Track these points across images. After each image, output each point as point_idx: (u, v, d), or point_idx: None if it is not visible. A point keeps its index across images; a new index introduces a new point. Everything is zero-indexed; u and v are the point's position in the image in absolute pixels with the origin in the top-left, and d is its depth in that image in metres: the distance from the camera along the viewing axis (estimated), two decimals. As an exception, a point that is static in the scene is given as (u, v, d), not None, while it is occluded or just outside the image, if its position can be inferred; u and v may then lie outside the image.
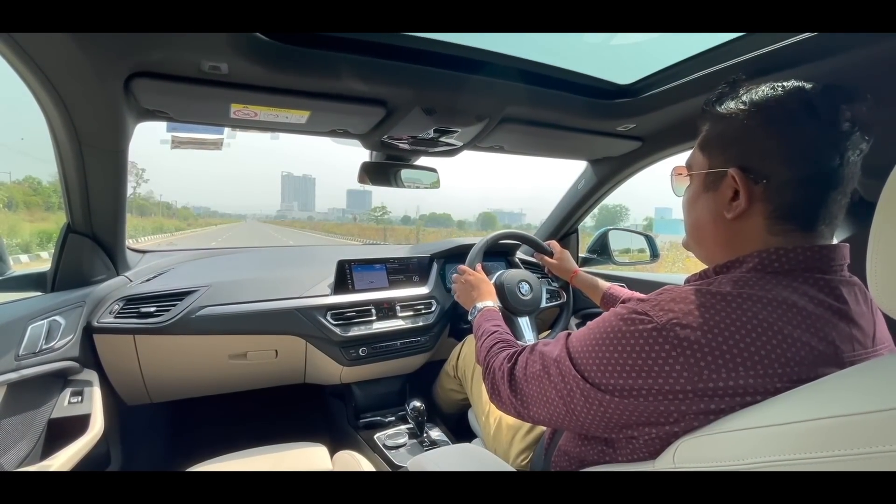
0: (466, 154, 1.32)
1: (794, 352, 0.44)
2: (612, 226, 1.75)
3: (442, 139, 1.06)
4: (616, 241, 1.75)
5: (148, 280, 1.26)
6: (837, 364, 0.45)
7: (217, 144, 1.06)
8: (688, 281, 0.60)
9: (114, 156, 0.91)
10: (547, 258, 1.37)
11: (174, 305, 1.17)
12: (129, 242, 1.33)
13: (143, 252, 1.45)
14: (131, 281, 1.24)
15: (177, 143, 1.02)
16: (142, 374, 1.19)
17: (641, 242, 1.75)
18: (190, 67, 0.73)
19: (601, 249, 1.76)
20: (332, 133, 1.05)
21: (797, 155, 0.49)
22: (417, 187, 1.31)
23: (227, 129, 1.06)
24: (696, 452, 0.45)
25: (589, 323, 0.58)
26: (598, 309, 1.63)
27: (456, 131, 1.02)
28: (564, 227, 1.72)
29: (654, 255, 1.69)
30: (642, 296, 0.55)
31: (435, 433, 1.30)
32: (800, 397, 0.40)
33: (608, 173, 1.43)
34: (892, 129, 0.63)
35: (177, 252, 1.52)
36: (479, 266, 1.18)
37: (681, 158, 1.28)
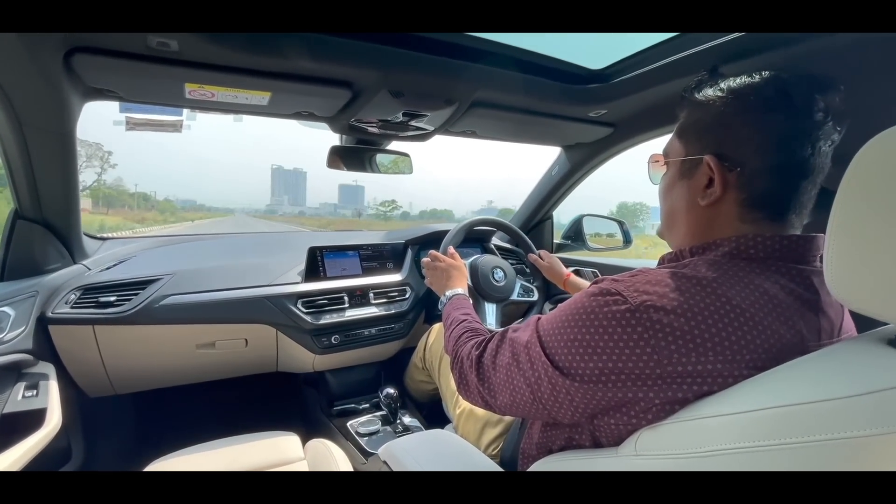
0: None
1: (762, 339, 0.44)
2: (586, 213, 1.75)
3: (412, 123, 1.04)
4: (590, 228, 1.76)
5: (108, 268, 1.20)
6: (802, 353, 0.45)
7: (176, 126, 1.01)
8: (661, 261, 0.60)
9: (60, 137, 0.86)
10: (539, 260, 1.36)
11: (136, 294, 1.13)
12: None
13: (104, 239, 1.39)
14: (89, 269, 1.19)
15: (132, 125, 0.97)
16: (104, 365, 1.15)
17: (615, 228, 1.76)
18: (136, 43, 0.68)
19: (575, 236, 1.77)
20: (297, 116, 1.01)
21: (771, 143, 0.49)
22: (389, 172, 1.29)
23: (186, 111, 1.01)
24: (656, 441, 0.45)
25: (560, 304, 0.57)
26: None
27: (425, 115, 1.00)
28: (539, 213, 1.72)
29: (627, 241, 1.71)
30: (613, 276, 0.54)
31: (408, 419, 1.30)
32: (756, 386, 0.41)
33: (581, 159, 1.43)
34: (858, 119, 0.64)
35: (140, 239, 1.46)
36: (451, 251, 1.16)
37: (652, 145, 1.29)
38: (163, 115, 0.98)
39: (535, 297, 1.43)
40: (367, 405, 1.41)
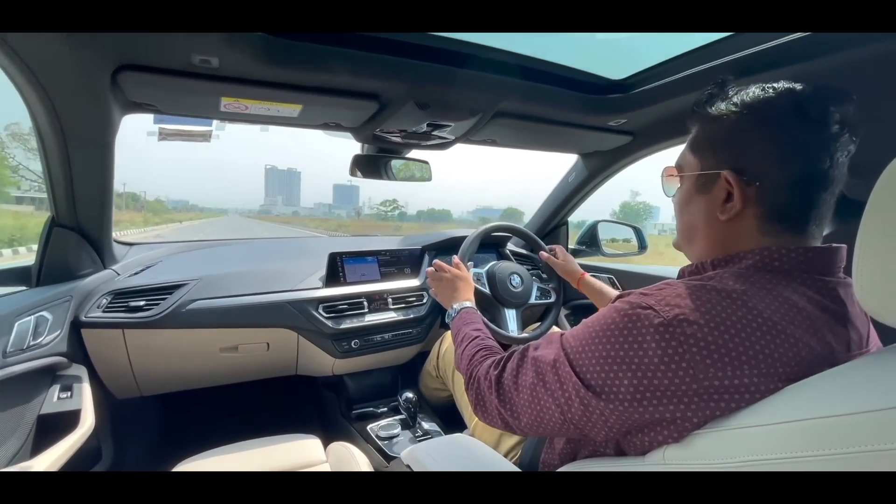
0: (462, 148, 1.31)
1: (795, 352, 0.44)
2: (601, 218, 1.76)
3: (434, 133, 1.06)
4: (605, 234, 1.77)
5: (136, 273, 1.24)
6: (832, 365, 0.44)
7: (206, 136, 1.04)
8: (682, 273, 0.60)
9: (100, 149, 0.89)
10: (552, 258, 1.35)
11: (164, 299, 1.16)
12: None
13: (131, 245, 1.43)
14: (119, 274, 1.22)
15: (164, 135, 1.00)
16: (132, 367, 1.18)
17: (630, 234, 1.77)
18: (179, 61, 0.71)
19: (590, 241, 1.78)
20: (325, 126, 1.03)
21: (789, 157, 0.49)
22: (410, 180, 1.31)
23: (215, 121, 1.04)
24: (685, 451, 0.45)
25: (584, 320, 0.56)
26: (589, 300, 1.66)
27: (449, 125, 1.02)
28: (555, 219, 1.73)
29: (643, 246, 1.71)
30: (640, 290, 0.54)
31: (427, 424, 1.31)
32: (789, 397, 0.41)
33: (599, 167, 1.44)
34: (875, 129, 0.65)
35: (164, 244, 1.49)
36: (456, 261, 1.14)
37: (670, 153, 1.30)
38: (194, 125, 1.00)
39: (553, 298, 1.44)
40: (386, 409, 1.42)
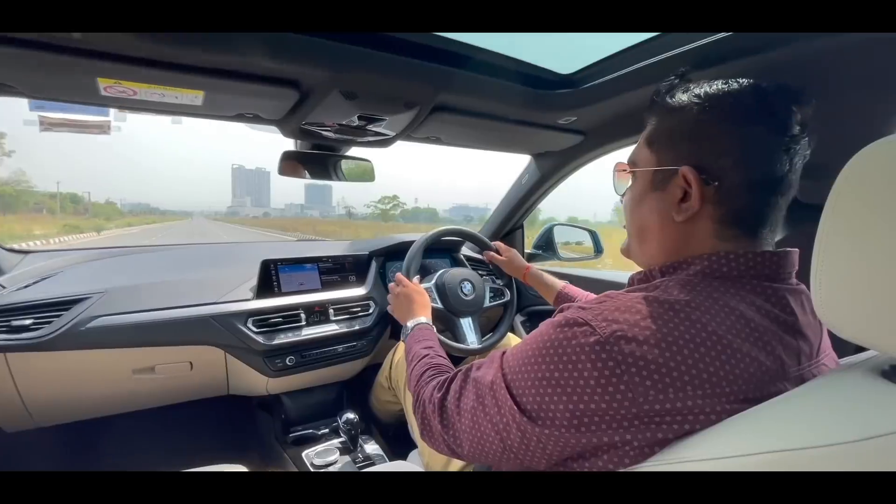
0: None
1: (742, 368, 0.41)
2: (556, 222, 1.72)
3: (370, 128, 0.96)
4: (561, 237, 1.73)
5: (26, 286, 1.07)
6: (784, 379, 0.43)
7: (102, 128, 0.90)
8: (631, 282, 0.55)
9: None
10: (496, 256, 1.32)
11: (58, 316, 1.00)
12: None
13: (25, 252, 1.24)
14: (4, 288, 1.05)
15: (47, 125, 0.85)
16: (20, 396, 1.02)
17: (586, 238, 1.73)
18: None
19: (546, 245, 1.73)
20: (240, 118, 0.91)
21: (751, 157, 0.46)
22: (349, 180, 1.20)
23: (114, 110, 0.89)
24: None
25: (526, 336, 0.52)
26: (545, 306, 1.60)
27: (384, 119, 0.92)
28: (510, 222, 1.66)
29: (598, 250, 1.68)
30: (588, 299, 0.50)
31: (370, 447, 1.21)
32: (745, 425, 0.37)
33: (551, 168, 1.38)
34: (827, 128, 0.60)
35: (69, 252, 1.31)
36: (398, 276, 1.10)
37: (623, 153, 1.25)
38: (85, 114, 0.86)
39: (507, 296, 1.38)
40: (327, 430, 1.30)
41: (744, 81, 0.48)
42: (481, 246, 1.38)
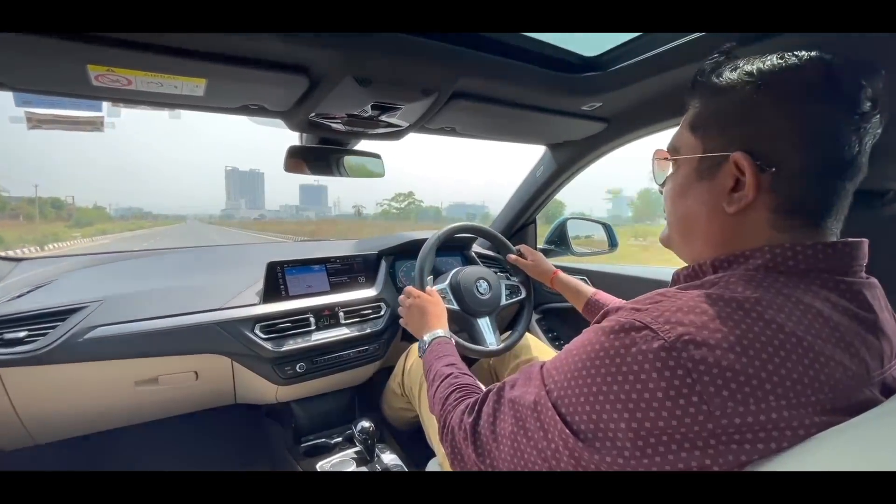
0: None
1: (827, 373, 0.36)
2: (569, 216, 1.66)
3: (383, 118, 0.89)
4: (574, 231, 1.68)
5: (19, 296, 1.00)
6: (868, 384, 0.38)
7: (96, 124, 0.83)
8: (676, 278, 0.50)
9: None
10: (520, 259, 1.27)
11: (53, 327, 0.94)
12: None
13: (17, 260, 1.18)
14: None
15: (35, 122, 0.78)
16: (17, 413, 0.96)
17: (600, 231, 1.68)
18: None
19: (559, 240, 1.68)
20: (245, 110, 0.84)
21: (814, 139, 0.41)
22: (359, 176, 1.14)
23: (107, 105, 0.83)
24: None
25: (567, 346, 0.47)
26: (562, 303, 1.54)
27: (399, 107, 0.85)
28: (522, 217, 1.60)
29: (613, 244, 1.63)
30: (630, 304, 0.44)
31: (387, 457, 1.15)
32: (836, 444, 0.32)
33: (569, 159, 1.32)
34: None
35: (65, 258, 1.25)
36: (408, 288, 1.05)
37: (644, 142, 1.20)
38: (76, 110, 0.79)
39: (523, 293, 1.32)
40: (341, 439, 1.25)
41: (804, 54, 0.42)
42: (501, 248, 1.33)
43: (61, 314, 0.96)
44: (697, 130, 0.48)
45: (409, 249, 1.42)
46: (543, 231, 1.73)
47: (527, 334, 1.34)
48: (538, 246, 1.71)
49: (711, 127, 0.47)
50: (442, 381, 0.69)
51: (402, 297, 1.05)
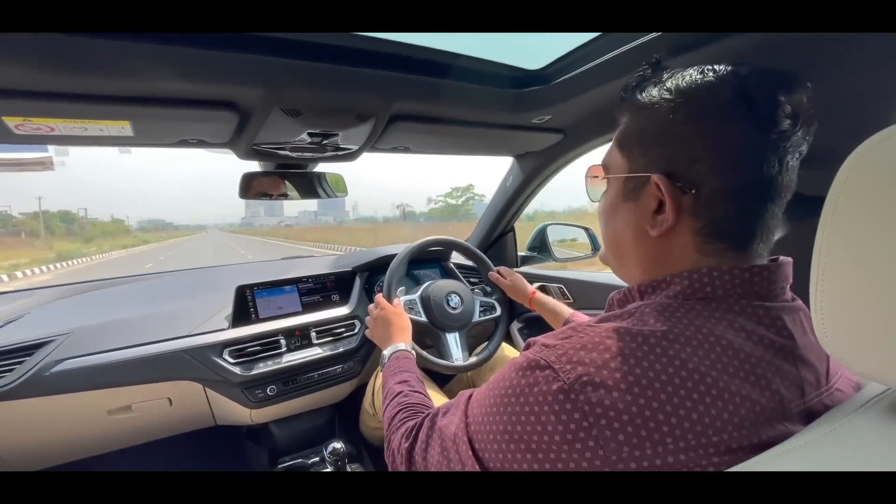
0: None
1: (731, 411, 0.34)
2: (549, 222, 1.64)
3: (326, 143, 0.89)
4: (555, 237, 1.65)
5: None
6: (784, 418, 0.36)
7: (45, 164, 0.84)
8: (610, 302, 0.49)
9: None
10: (501, 279, 1.26)
11: (21, 362, 0.95)
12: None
13: (-7, 295, 1.20)
14: None
15: (-18, 167, 0.79)
16: None
17: (582, 236, 1.65)
18: None
19: (541, 246, 1.66)
20: (184, 144, 0.84)
21: (731, 160, 0.40)
22: (318, 197, 1.14)
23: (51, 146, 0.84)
24: None
25: (494, 376, 0.46)
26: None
27: (336, 134, 0.85)
28: (499, 226, 1.58)
29: (596, 247, 1.60)
30: (542, 338, 0.43)
31: None
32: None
33: (534, 168, 1.30)
34: (832, 111, 0.52)
35: (37, 291, 1.27)
36: (378, 298, 1.06)
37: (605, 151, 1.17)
38: (22, 152, 0.80)
39: (498, 311, 1.31)
40: (318, 459, 1.25)
41: (720, 70, 0.41)
42: (478, 263, 1.32)
43: (27, 349, 0.97)
44: (624, 149, 0.47)
45: (385, 265, 1.41)
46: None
47: (505, 345, 1.32)
48: (519, 253, 1.69)
49: (635, 146, 0.45)
50: (391, 400, 0.69)
51: (370, 306, 1.06)
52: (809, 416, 0.38)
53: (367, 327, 1.28)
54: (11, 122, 0.62)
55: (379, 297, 1.07)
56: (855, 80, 0.62)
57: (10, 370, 0.94)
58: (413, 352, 0.89)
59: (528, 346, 0.44)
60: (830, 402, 0.40)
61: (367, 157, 1.14)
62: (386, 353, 0.87)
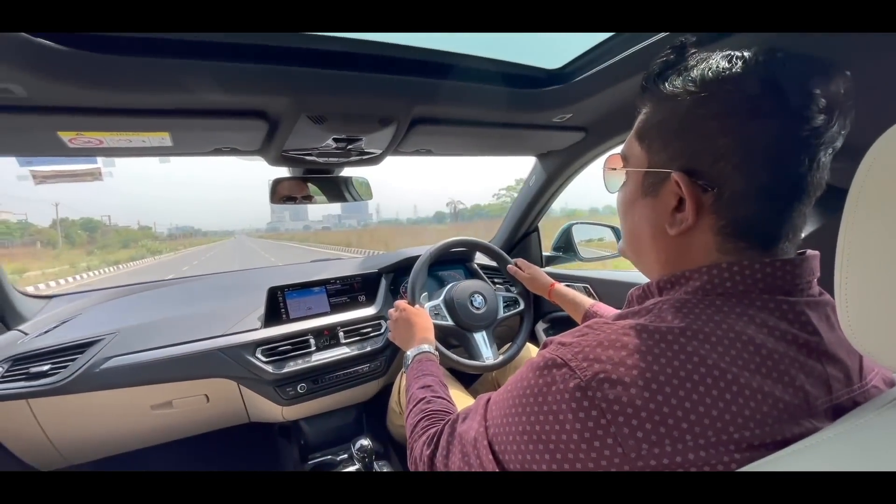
0: None
1: (753, 408, 0.33)
2: (574, 221, 1.62)
3: (351, 148, 0.92)
4: (580, 236, 1.64)
5: (47, 332, 1.11)
6: (810, 415, 0.35)
7: (94, 174, 0.91)
8: (629, 299, 0.48)
9: None
10: (519, 272, 1.26)
11: (73, 360, 1.03)
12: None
13: (49, 297, 1.30)
14: (27, 334, 1.09)
15: (41, 178, 0.87)
16: (48, 438, 1.06)
17: (608, 234, 1.63)
18: None
19: (566, 245, 1.65)
20: (218, 152, 0.89)
21: (758, 158, 0.38)
22: (344, 201, 1.17)
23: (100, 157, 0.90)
24: None
25: (511, 377, 0.46)
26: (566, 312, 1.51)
27: (360, 139, 0.88)
28: (523, 226, 1.58)
29: (622, 247, 1.57)
30: (559, 337, 0.42)
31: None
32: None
33: (557, 167, 1.29)
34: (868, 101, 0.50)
35: (89, 293, 1.36)
36: (400, 304, 1.06)
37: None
38: (74, 164, 0.87)
39: (522, 305, 1.31)
40: (346, 456, 1.28)
41: (749, 57, 0.38)
42: (498, 260, 1.34)
43: (80, 347, 1.05)
44: (643, 141, 0.45)
45: (410, 266, 1.44)
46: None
47: (530, 346, 1.33)
48: (543, 253, 1.69)
49: (655, 139, 0.44)
50: (414, 407, 0.69)
51: (390, 310, 1.06)
52: (838, 413, 0.36)
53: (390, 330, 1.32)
54: (66, 136, 0.68)
55: (398, 301, 1.08)
56: (887, 66, 0.60)
57: (65, 366, 1.01)
58: (436, 353, 0.89)
59: (545, 346, 0.43)
60: (863, 400, 0.38)
61: (387, 162, 1.17)
62: (409, 354, 0.87)
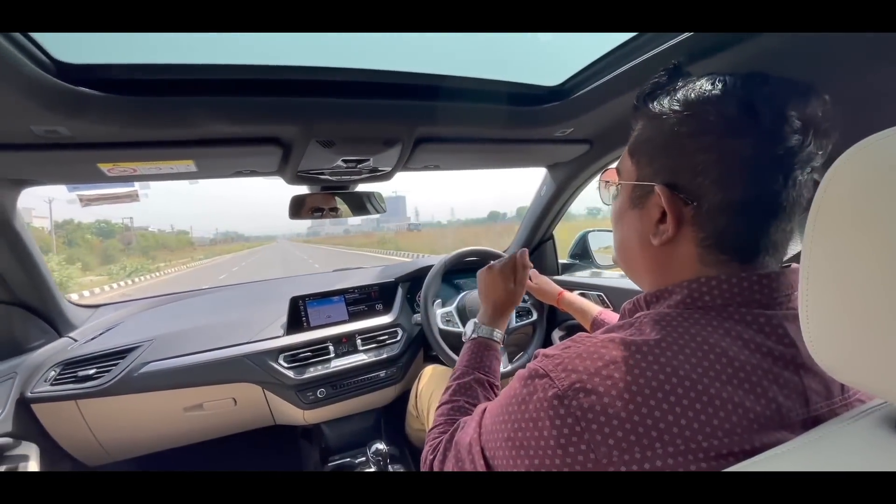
0: None
1: (722, 417, 0.35)
2: (591, 229, 1.62)
3: (361, 167, 0.97)
4: (596, 243, 1.63)
5: (93, 339, 1.22)
6: (782, 427, 0.36)
7: (132, 196, 1.01)
8: (622, 312, 0.51)
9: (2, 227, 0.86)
10: (528, 283, 1.25)
11: (115, 364, 1.13)
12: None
13: (96, 307, 1.42)
14: (75, 341, 1.21)
15: (87, 202, 0.97)
16: (95, 436, 1.16)
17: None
18: (22, 134, 0.66)
19: (582, 253, 1.65)
20: (240, 174, 0.97)
21: (732, 175, 0.40)
22: (359, 214, 1.23)
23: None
24: None
25: (504, 388, 0.49)
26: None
27: (368, 159, 0.93)
28: (537, 235, 1.60)
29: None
30: (544, 350, 0.45)
31: None
32: None
33: (565, 178, 1.31)
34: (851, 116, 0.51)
35: (131, 303, 1.48)
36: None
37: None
38: (115, 188, 0.97)
39: (535, 316, 1.33)
40: (364, 458, 1.33)
41: (732, 81, 0.40)
42: None
43: (121, 353, 1.15)
44: (634, 156, 0.48)
45: (426, 275, 1.48)
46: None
47: None
48: (560, 261, 1.69)
49: (643, 154, 0.46)
50: (440, 407, 0.69)
51: (489, 265, 0.91)
52: (817, 425, 0.36)
53: (409, 335, 1.36)
54: (105, 167, 0.77)
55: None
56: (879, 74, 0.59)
57: (108, 370, 1.11)
58: (501, 339, 0.79)
59: (533, 358, 0.46)
60: (844, 412, 0.38)
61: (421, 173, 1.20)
62: (468, 329, 0.80)
